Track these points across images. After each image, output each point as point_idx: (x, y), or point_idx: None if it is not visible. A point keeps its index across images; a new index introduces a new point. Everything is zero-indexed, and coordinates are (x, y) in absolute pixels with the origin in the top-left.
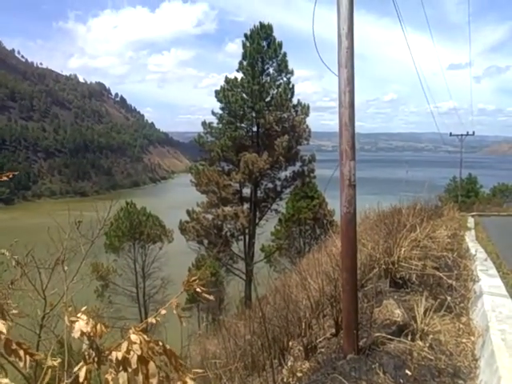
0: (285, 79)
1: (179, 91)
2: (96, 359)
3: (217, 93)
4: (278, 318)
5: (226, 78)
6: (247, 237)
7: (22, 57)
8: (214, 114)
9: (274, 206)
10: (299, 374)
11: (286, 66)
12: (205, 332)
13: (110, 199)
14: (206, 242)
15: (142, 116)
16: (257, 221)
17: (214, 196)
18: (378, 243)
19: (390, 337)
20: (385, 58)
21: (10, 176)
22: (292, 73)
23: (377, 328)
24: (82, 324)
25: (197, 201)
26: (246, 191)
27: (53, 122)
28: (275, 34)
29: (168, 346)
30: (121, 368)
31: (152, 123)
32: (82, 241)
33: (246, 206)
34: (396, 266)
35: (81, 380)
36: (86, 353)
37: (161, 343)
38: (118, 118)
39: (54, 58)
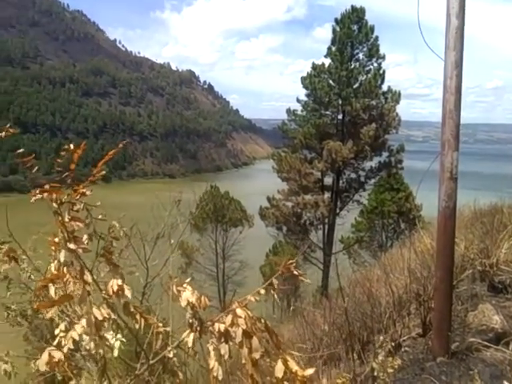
0: (375, 64)
1: (265, 78)
2: (198, 329)
3: (303, 79)
4: (358, 312)
5: (313, 64)
6: (326, 226)
7: (123, 46)
8: (298, 101)
9: (356, 197)
10: (390, 370)
11: (378, 51)
12: (279, 317)
13: (196, 182)
14: (284, 228)
15: (228, 103)
16: (337, 211)
17: (295, 184)
18: (473, 243)
19: (486, 343)
20: (489, 41)
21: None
22: (383, 58)
23: (471, 333)
24: (188, 294)
25: (277, 188)
26: (328, 180)
27: (147, 107)
28: (367, 17)
29: (269, 324)
30: (222, 340)
31: (237, 110)
32: (180, 219)
33: (326, 195)
34: (495, 268)
35: (189, 345)
36: (190, 321)
37: (263, 320)
38: (205, 104)
39: (149, 46)
